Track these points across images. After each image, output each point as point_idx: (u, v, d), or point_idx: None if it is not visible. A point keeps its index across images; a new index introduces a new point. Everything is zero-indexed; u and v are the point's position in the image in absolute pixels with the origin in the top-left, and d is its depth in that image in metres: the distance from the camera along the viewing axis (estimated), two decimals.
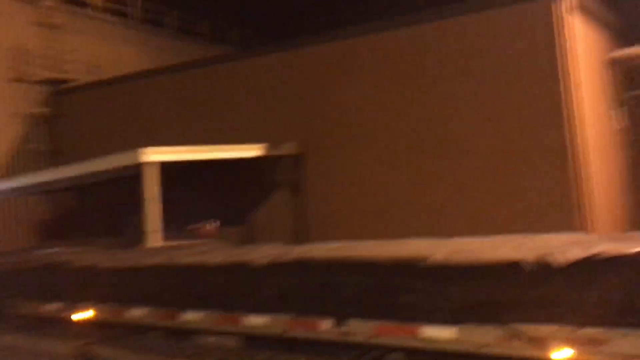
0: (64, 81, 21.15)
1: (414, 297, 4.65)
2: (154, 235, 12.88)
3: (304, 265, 5.49)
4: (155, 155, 12.98)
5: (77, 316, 7.47)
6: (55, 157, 20.33)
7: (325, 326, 5.14)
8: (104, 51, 21.83)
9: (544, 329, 4.06)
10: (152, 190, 12.85)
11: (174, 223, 17.65)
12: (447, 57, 13.41)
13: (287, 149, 15.51)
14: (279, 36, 23.38)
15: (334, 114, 15.26)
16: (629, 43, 13.70)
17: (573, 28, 12.16)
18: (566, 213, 11.99)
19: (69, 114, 20.59)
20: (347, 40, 15.19)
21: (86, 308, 7.63)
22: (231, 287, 6.02)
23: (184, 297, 6.44)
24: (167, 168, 13.56)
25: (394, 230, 13.35)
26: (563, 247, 4.48)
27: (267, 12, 27.42)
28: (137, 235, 18.22)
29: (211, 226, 15.56)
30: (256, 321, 5.70)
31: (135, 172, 13.51)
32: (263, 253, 6.54)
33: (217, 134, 16.85)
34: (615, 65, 13.73)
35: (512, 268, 4.27)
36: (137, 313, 6.97)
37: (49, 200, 20.46)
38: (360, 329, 4.98)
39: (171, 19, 24.70)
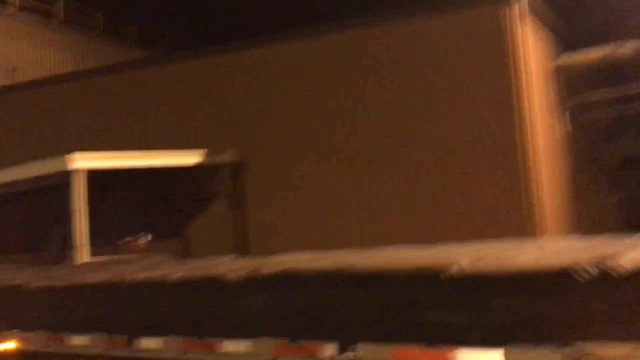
0: None
1: (440, 314, 3.76)
2: (83, 249, 11.42)
3: (291, 279, 4.48)
4: (84, 161, 11.52)
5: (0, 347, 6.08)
6: None
7: (328, 352, 4.13)
8: (22, 53, 19.88)
9: (615, 349, 3.28)
10: (80, 200, 11.39)
11: (99, 237, 16.10)
12: (396, 60, 12.75)
13: (226, 157, 14.37)
14: (211, 39, 22.20)
15: (274, 120, 14.26)
16: (574, 48, 13.52)
17: (523, 33, 11.80)
18: (517, 217, 11.56)
19: None
20: (287, 43, 14.22)
21: (9, 337, 6.24)
22: (199, 307, 4.90)
23: (137, 320, 5.25)
24: (95, 176, 12.15)
25: (338, 240, 12.49)
26: (616, 251, 3.76)
27: (199, 14, 26.13)
28: (61, 249, 16.50)
29: (143, 240, 14.16)
30: (235, 347, 4.61)
31: (59, 181, 12.01)
32: (229, 266, 5.47)
33: (146, 142, 15.48)
34: (559, 71, 13.51)
35: (562, 276, 3.48)
36: (77, 341, 5.69)
37: None
38: (372, 355, 4.00)
39: (97, 20, 22.98)
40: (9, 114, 18.05)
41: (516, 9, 11.73)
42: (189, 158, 13.65)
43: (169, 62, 16.10)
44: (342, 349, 4.11)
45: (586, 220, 13.86)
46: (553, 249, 4.53)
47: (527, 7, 11.92)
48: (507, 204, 11.68)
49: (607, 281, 3.37)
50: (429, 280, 3.90)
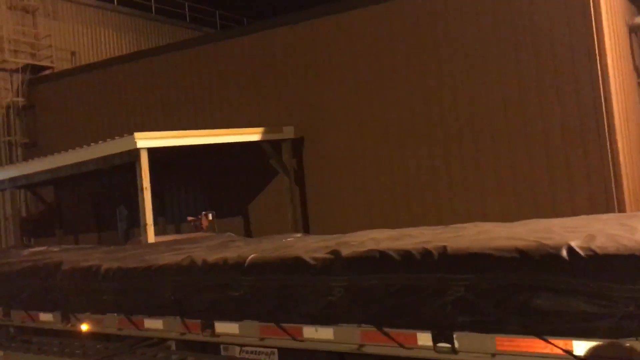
0: (40, 68, 19.34)
1: (552, 301, 3.28)
2: (149, 228, 11.34)
3: (378, 261, 4.06)
4: (149, 140, 11.38)
5: (84, 327, 5.98)
6: (31, 149, 18.54)
7: (420, 342, 3.73)
8: (81, 36, 19.98)
9: None
10: (145, 178, 11.28)
11: (163, 216, 16.14)
12: (469, 29, 12.05)
13: (286, 133, 14.07)
14: (262, 15, 21.83)
15: (334, 96, 13.83)
16: None
17: None
18: (603, 189, 10.86)
19: (45, 104, 18.78)
20: (346, 12, 13.73)
21: (82, 320, 6.09)
22: (276, 291, 4.56)
23: (212, 304, 4.96)
24: (158, 156, 12.04)
25: (397, 219, 12.10)
26: None
27: None
28: (126, 229, 16.66)
29: (206, 218, 14.06)
30: (316, 334, 4.25)
31: (124, 161, 11.93)
32: (304, 246, 5.11)
33: (204, 120, 15.35)
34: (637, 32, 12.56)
35: None
36: (150, 324, 5.47)
37: (28, 195, 18.67)
38: (473, 346, 3.56)
39: (150, 1, 22.92)
40: (71, 97, 18.23)
41: None
42: (249, 135, 13.40)
43: (224, 39, 15.83)
44: (437, 339, 3.68)
45: None
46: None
47: None
48: (588, 175, 10.97)
49: None
50: (537, 263, 3.41)
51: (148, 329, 5.45)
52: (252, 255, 4.81)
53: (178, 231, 15.44)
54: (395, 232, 5.47)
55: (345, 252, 4.30)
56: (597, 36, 10.68)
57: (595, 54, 10.67)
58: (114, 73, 17.21)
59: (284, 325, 4.38)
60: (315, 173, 14.06)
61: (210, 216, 13.95)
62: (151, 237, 11.18)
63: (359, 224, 11.57)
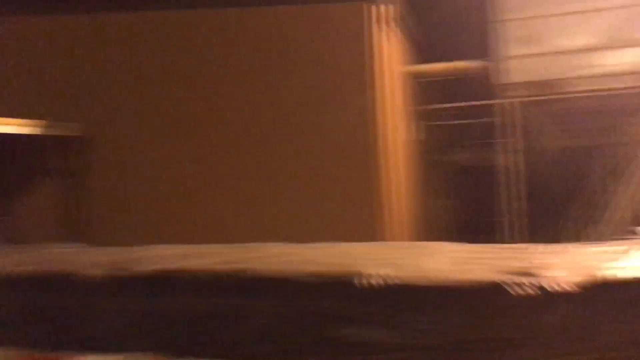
0: None
1: (351, 329, 3.21)
2: None
3: (171, 282, 3.67)
4: None
5: None
6: None
7: None
8: None
9: None
10: None
11: None
12: (257, 42, 12.07)
13: (69, 129, 12.76)
14: None
15: (124, 94, 12.94)
16: (429, 59, 13.85)
17: (382, 36, 11.72)
18: (368, 218, 11.51)
19: None
20: (144, 10, 12.94)
21: None
22: (46, 312, 3.91)
23: None
24: None
25: (187, 233, 11.65)
26: (539, 264, 3.46)
27: None
28: None
29: None
30: None
31: None
32: (84, 260, 4.48)
33: None
34: (414, 78, 13.74)
35: (495, 292, 3.10)
36: None
37: None
38: None
39: None
40: None
41: (377, 11, 11.58)
42: (25, 127, 11.88)
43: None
44: None
45: (423, 224, 14.31)
46: (452, 256, 4.20)
47: (387, 11, 11.86)
48: (357, 205, 11.56)
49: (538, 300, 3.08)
50: (336, 289, 3.33)
51: None
52: (21, 268, 4.08)
53: None
54: (184, 249, 5.10)
55: (135, 268, 3.83)
56: (373, 80, 11.35)
57: (369, 99, 11.31)
58: None
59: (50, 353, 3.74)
60: (99, 177, 12.93)
61: None
62: None
63: (147, 238, 10.86)
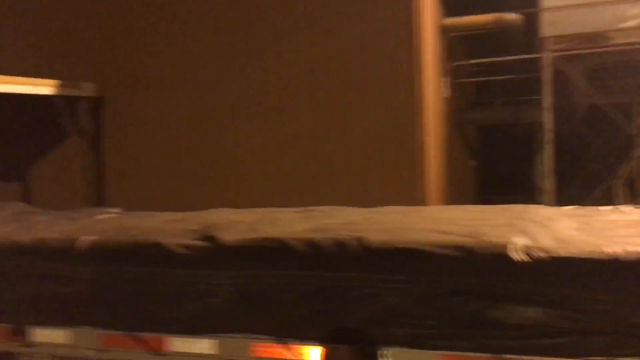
0: None
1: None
2: None
3: (281, 251, 3.13)
4: None
5: None
6: None
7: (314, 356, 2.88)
8: None
9: None
10: None
11: None
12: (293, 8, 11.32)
13: (85, 89, 12.11)
14: None
15: (141, 53, 12.24)
16: (462, 12, 13.08)
17: None
18: (408, 179, 10.98)
19: None
20: None
21: None
22: (130, 284, 3.37)
23: (32, 303, 3.55)
24: None
25: (206, 196, 11.13)
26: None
27: None
28: None
29: None
30: (189, 347, 3.17)
31: None
32: (160, 225, 3.92)
33: None
34: (444, 33, 13.00)
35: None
36: None
37: None
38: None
39: None
40: None
41: None
42: (39, 87, 11.24)
43: None
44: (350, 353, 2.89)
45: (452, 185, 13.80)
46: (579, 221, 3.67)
47: None
48: (398, 163, 11.02)
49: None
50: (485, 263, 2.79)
51: None
52: (90, 238, 3.54)
53: None
54: (259, 213, 4.54)
55: (226, 237, 3.29)
56: (417, 34, 10.73)
57: (414, 52, 10.70)
58: None
59: (140, 335, 3.22)
60: (116, 139, 12.33)
61: None
62: None
63: (167, 201, 10.32)
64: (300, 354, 2.94)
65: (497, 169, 15.26)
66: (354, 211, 4.77)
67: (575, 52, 12.11)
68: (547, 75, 12.09)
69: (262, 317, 3.07)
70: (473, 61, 13.58)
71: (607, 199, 12.37)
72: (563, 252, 2.69)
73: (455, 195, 13.70)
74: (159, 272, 3.30)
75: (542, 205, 4.07)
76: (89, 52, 12.29)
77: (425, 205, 10.48)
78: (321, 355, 2.75)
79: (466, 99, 15.25)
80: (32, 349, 3.53)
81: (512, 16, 12.61)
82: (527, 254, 2.69)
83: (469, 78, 14.53)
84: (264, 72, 11.46)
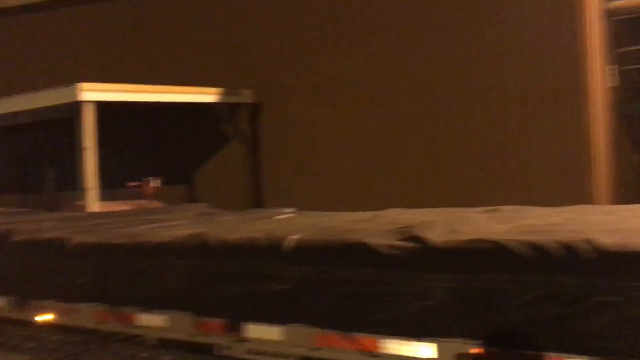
0: None
1: None
2: (92, 193, 9.71)
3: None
4: (95, 93, 9.68)
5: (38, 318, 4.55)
6: None
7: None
8: None
9: None
10: (90, 136, 9.60)
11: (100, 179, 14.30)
12: None
13: (244, 96, 12.65)
14: None
15: (296, 60, 12.51)
16: None
17: None
18: (574, 176, 10.26)
19: None
20: None
21: (55, 308, 4.67)
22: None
23: (246, 300, 3.70)
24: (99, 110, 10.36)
25: (357, 196, 11.08)
26: None
27: None
28: (54, 191, 14.67)
29: (152, 184, 12.48)
30: None
31: (62, 115, 10.19)
32: (356, 226, 3.93)
33: (156, 78, 13.54)
34: (609, 16, 12.03)
35: None
36: (149, 321, 4.15)
37: None
38: None
39: None
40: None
41: None
42: (204, 96, 11.90)
43: None
44: None
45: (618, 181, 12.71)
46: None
47: None
48: (565, 155, 10.33)
49: None
50: None
51: (141, 326, 4.14)
52: (297, 237, 3.61)
53: (114, 197, 13.68)
54: (444, 213, 4.40)
55: (435, 238, 3.19)
56: (580, 18, 10.01)
57: (578, 38, 10.00)
58: (51, 15, 14.95)
59: (352, 334, 3.22)
60: (273, 142, 12.74)
61: (154, 183, 12.39)
62: (93, 204, 9.59)
63: (322, 200, 10.45)
64: None
65: None
66: (544, 211, 4.47)
67: None
68: None
69: (482, 323, 2.94)
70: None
71: None
72: None
73: (622, 192, 12.63)
74: (366, 272, 3.28)
75: None
76: (247, 61, 12.82)
77: (593, 203, 9.75)
78: None
79: (634, 89, 14.02)
80: (241, 344, 3.67)
81: None
82: None
83: (636, 65, 13.34)
84: (416, 67, 11.26)
